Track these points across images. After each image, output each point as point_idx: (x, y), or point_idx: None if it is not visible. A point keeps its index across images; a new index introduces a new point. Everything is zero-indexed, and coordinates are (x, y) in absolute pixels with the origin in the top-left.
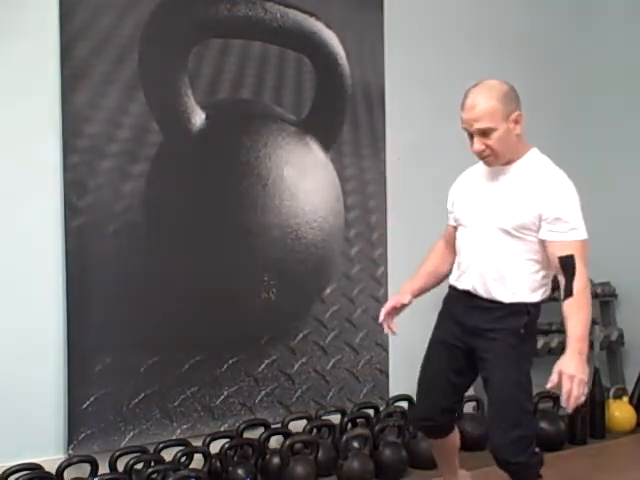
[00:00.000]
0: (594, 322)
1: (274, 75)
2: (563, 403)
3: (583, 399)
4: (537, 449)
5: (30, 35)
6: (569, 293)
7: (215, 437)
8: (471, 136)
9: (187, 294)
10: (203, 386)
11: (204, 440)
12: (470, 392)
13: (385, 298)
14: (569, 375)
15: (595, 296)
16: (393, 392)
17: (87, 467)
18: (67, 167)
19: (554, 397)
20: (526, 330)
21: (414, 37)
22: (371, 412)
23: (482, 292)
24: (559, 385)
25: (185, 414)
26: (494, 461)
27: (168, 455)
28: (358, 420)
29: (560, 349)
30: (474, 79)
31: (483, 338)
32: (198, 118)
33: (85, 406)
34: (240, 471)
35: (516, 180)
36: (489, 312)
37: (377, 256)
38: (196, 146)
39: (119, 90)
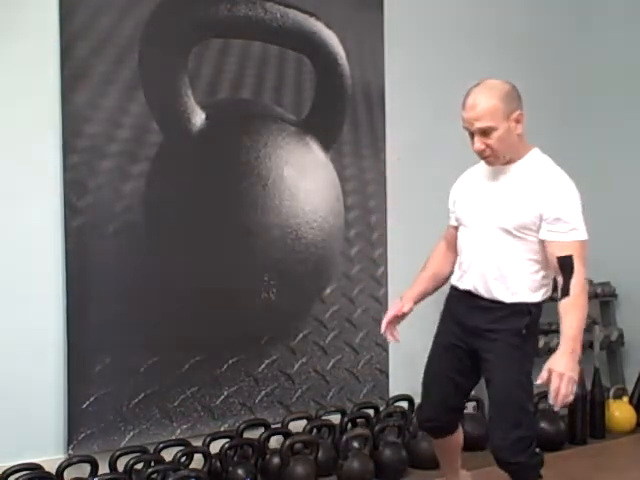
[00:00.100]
0: (594, 322)
1: (274, 75)
2: (551, 400)
3: (572, 398)
4: (537, 449)
5: (30, 35)
6: (566, 293)
7: (215, 437)
8: (472, 135)
9: (187, 294)
10: (203, 386)
11: (204, 440)
12: None
13: (385, 298)
14: (558, 373)
15: (595, 296)
16: (393, 392)
17: (87, 467)
18: (67, 167)
19: None
20: (528, 330)
21: (414, 37)
22: (371, 412)
23: (483, 292)
24: (548, 382)
25: (185, 414)
26: (494, 461)
27: (168, 455)
28: (358, 420)
29: None
30: (474, 79)
31: (484, 338)
32: (198, 118)
33: (85, 406)
34: (240, 471)
35: (517, 180)
36: (490, 312)
37: (377, 256)
38: (196, 146)
39: (119, 90)
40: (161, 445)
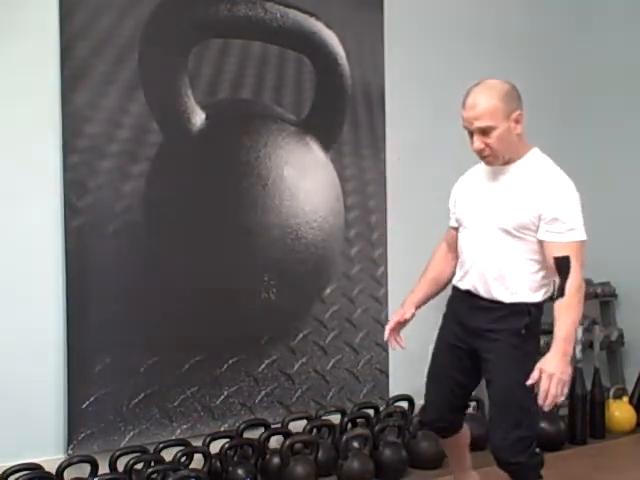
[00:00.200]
0: (594, 322)
1: (274, 75)
2: (540, 401)
3: (562, 398)
4: (537, 449)
5: (30, 35)
6: (561, 294)
7: (215, 437)
8: (471, 135)
9: (187, 294)
10: (203, 386)
11: (204, 440)
12: None
13: (385, 298)
14: (549, 374)
15: (595, 296)
16: (393, 392)
17: (87, 467)
18: (67, 167)
19: None
20: (527, 330)
21: (414, 37)
22: (371, 412)
23: (483, 292)
24: (538, 383)
25: (185, 414)
26: (494, 461)
27: (168, 455)
28: (358, 420)
29: None
30: (474, 79)
31: (485, 339)
32: (198, 118)
33: (85, 406)
34: (240, 471)
35: (516, 180)
36: (490, 312)
37: (377, 256)
38: (196, 146)
39: (119, 90)
40: (161, 445)
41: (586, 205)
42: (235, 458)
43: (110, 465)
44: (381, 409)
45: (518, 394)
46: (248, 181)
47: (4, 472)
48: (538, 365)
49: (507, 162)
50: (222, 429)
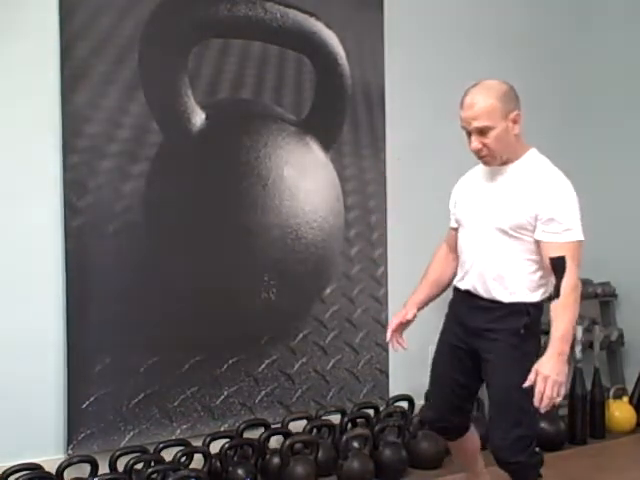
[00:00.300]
0: (594, 322)
1: (274, 75)
2: (536, 403)
3: (559, 400)
4: (537, 449)
5: (30, 35)
6: (557, 294)
7: (215, 437)
8: (469, 135)
9: (187, 294)
10: (203, 386)
11: (204, 440)
12: None
13: (385, 298)
14: (544, 376)
15: (595, 296)
16: (393, 392)
17: (87, 467)
18: (67, 167)
19: None
20: (527, 330)
21: (414, 37)
22: (371, 412)
23: (482, 292)
24: (534, 384)
25: (185, 414)
26: (494, 461)
27: (168, 455)
28: (358, 420)
29: None
30: (474, 79)
31: (484, 339)
32: (198, 118)
33: (85, 406)
34: (240, 471)
35: (513, 180)
36: (489, 312)
37: (377, 256)
38: (196, 146)
39: (119, 90)
40: (161, 445)
41: (586, 205)
42: (235, 458)
43: (110, 465)
44: (381, 409)
45: (517, 394)
46: (248, 181)
47: (4, 472)
48: (535, 367)
49: (505, 162)
50: (222, 429)
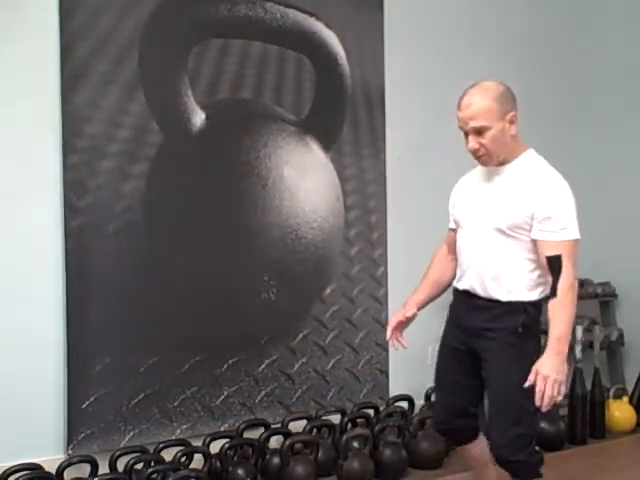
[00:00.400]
0: (594, 322)
1: (274, 75)
2: (537, 402)
3: (560, 399)
4: (537, 447)
5: (30, 35)
6: (554, 293)
7: (215, 437)
8: (466, 135)
9: (187, 294)
10: (203, 386)
11: (204, 440)
12: None
13: (385, 298)
14: (543, 376)
15: (595, 296)
16: (393, 392)
17: (87, 467)
18: (67, 167)
19: None
20: (525, 329)
21: (414, 37)
22: (371, 412)
23: (480, 291)
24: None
25: (185, 414)
26: (494, 459)
27: (168, 455)
28: (358, 420)
29: None
30: (474, 79)
31: (483, 338)
32: (198, 118)
33: (85, 406)
34: (240, 471)
35: (510, 180)
36: (487, 311)
37: (377, 256)
38: (196, 146)
39: (119, 90)
40: (161, 445)
41: (586, 205)
42: (235, 458)
43: (110, 465)
44: (381, 409)
45: (517, 392)
46: (248, 181)
47: (4, 472)
48: (534, 367)
49: (502, 163)
50: (222, 429)
